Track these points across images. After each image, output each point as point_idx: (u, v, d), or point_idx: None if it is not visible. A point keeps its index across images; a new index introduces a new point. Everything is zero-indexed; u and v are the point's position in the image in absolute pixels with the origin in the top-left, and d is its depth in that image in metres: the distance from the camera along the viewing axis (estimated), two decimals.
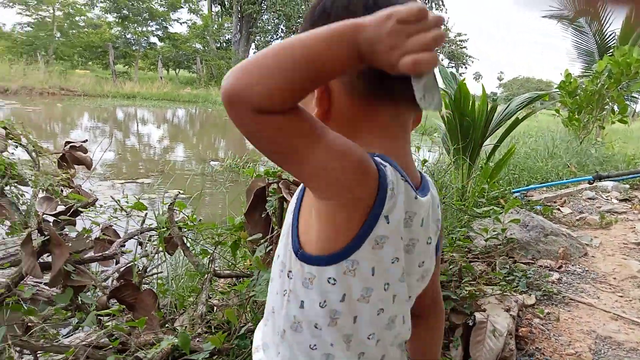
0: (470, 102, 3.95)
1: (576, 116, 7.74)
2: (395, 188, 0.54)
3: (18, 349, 1.76)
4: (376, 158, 0.54)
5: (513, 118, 4.17)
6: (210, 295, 1.80)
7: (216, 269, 1.82)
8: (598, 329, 2.16)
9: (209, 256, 1.78)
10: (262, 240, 1.38)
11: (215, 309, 1.78)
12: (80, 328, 2.36)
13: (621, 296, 2.54)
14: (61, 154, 4.56)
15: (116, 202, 4.27)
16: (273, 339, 0.63)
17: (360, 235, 0.53)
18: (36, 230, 1.72)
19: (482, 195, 3.87)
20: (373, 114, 0.58)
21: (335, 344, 0.57)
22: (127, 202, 4.56)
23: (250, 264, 1.82)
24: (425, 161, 4.99)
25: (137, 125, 14.03)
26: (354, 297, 0.55)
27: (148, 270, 2.44)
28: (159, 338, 1.51)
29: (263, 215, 1.44)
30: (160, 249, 2.46)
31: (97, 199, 2.10)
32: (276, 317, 0.62)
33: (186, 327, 1.58)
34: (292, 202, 0.63)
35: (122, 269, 2.25)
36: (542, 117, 16.30)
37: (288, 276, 0.59)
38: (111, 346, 1.75)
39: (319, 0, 0.60)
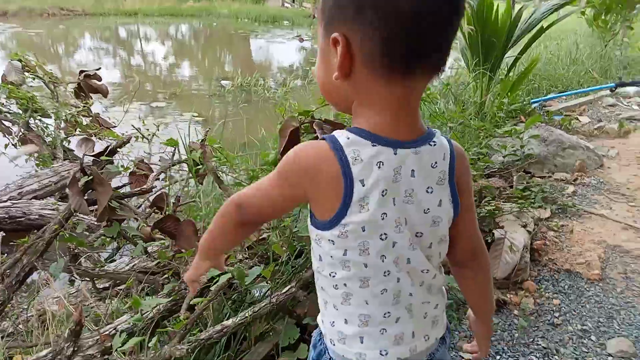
0: (494, 12, 3.79)
1: (602, 17, 7.33)
2: (360, 154, 0.62)
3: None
4: (341, 137, 0.64)
5: (537, 27, 4.01)
6: None
7: None
8: (608, 238, 2.28)
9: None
10: None
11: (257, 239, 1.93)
12: (118, 256, 2.57)
13: (633, 206, 2.63)
14: (77, 84, 4.60)
15: (137, 129, 4.37)
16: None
17: (343, 204, 0.63)
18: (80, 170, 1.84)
19: (501, 109, 3.86)
20: (386, 92, 0.62)
21: (349, 285, 0.69)
22: (147, 129, 4.66)
23: None
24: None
25: (141, 44, 13.68)
26: (354, 250, 0.66)
27: (180, 200, 2.58)
28: None
29: None
30: (191, 180, 2.58)
31: (131, 137, 2.18)
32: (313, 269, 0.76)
33: (229, 255, 1.72)
34: None
35: (153, 197, 2.35)
36: (567, 19, 15.42)
37: (310, 235, 0.72)
38: (160, 272, 1.93)
39: None
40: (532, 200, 2.47)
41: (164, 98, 6.77)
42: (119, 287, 2.15)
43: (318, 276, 0.74)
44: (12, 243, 2.21)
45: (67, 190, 1.83)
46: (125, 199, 2.05)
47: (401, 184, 0.64)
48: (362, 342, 0.71)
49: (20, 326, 2.06)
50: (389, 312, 0.70)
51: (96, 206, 1.93)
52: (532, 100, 4.61)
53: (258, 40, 14.25)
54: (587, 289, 1.97)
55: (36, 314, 2.11)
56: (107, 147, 1.97)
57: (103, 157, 1.92)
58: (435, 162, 0.67)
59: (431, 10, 0.57)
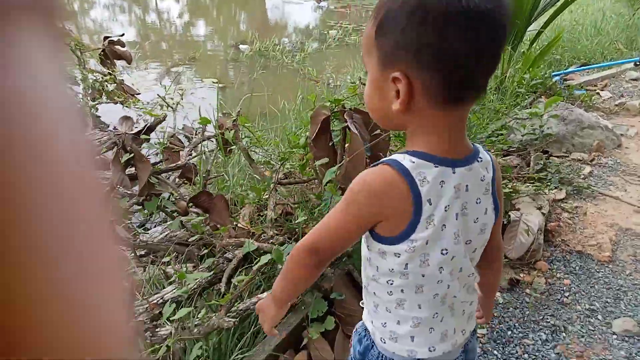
0: None
1: None
2: (425, 176, 0.70)
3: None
4: (405, 161, 0.70)
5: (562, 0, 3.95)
6: (277, 202, 2.06)
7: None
8: (621, 221, 2.37)
9: (273, 168, 1.99)
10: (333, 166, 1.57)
11: (283, 214, 2.05)
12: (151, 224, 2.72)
13: None
14: (101, 50, 4.66)
15: (162, 98, 4.46)
16: (364, 292, 0.87)
17: (413, 222, 0.71)
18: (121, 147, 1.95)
19: (521, 84, 3.86)
20: (441, 119, 0.71)
21: (406, 292, 0.78)
22: (171, 97, 4.74)
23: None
24: None
25: (156, 0, 13.47)
26: (415, 262, 0.74)
27: (210, 174, 2.70)
28: (240, 242, 1.80)
29: (329, 143, 1.61)
30: (220, 155, 2.69)
31: (166, 116, 2.27)
32: (363, 275, 0.85)
33: (264, 231, 1.85)
34: None
35: (177, 164, 2.41)
36: None
37: (367, 248, 0.80)
38: (194, 243, 2.07)
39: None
40: (549, 182, 2.54)
41: (183, 62, 6.79)
42: (154, 255, 2.31)
43: (371, 283, 0.82)
44: None
45: (110, 165, 1.95)
46: (162, 174, 2.18)
47: (459, 200, 0.73)
48: (412, 341, 0.82)
49: None
50: (437, 313, 0.80)
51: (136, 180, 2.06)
52: (554, 74, 4.58)
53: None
54: (597, 270, 2.08)
55: None
56: (145, 125, 2.08)
57: (143, 136, 2.03)
58: (483, 176, 0.76)
59: (482, 49, 0.66)
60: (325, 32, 8.88)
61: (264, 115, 4.41)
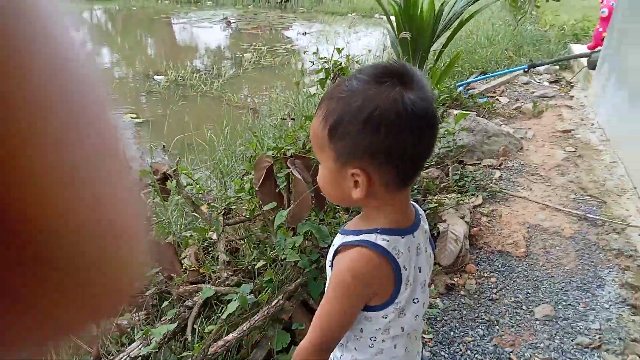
0: (419, 8, 4.11)
1: None
2: (399, 249, 0.84)
3: None
4: (380, 241, 0.82)
5: (458, 20, 4.39)
6: (229, 243, 2.14)
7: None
8: (530, 219, 2.72)
9: (219, 211, 2.07)
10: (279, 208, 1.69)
11: (235, 251, 2.13)
12: None
13: (548, 185, 3.10)
14: None
15: None
16: (339, 349, 0.96)
17: (396, 288, 0.85)
18: None
19: None
20: (395, 198, 0.85)
21: (386, 341, 0.91)
22: None
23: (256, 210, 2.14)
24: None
25: None
26: (396, 318, 0.87)
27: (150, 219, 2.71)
28: (197, 287, 1.87)
29: (275, 189, 1.73)
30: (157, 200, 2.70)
31: None
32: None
33: (217, 278, 1.93)
34: None
35: None
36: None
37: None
38: (152, 294, 2.09)
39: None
40: (466, 191, 2.85)
41: None
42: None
43: (351, 342, 0.91)
44: None
45: None
46: None
47: (419, 255, 0.89)
48: None
49: None
50: (407, 347, 0.93)
51: None
52: (458, 84, 5.06)
53: (182, 24, 13.83)
54: (517, 265, 2.38)
55: None
56: None
57: None
58: (426, 230, 0.94)
59: (426, 142, 0.80)
60: (240, 56, 8.98)
61: (190, 147, 4.42)
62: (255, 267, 1.77)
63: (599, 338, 1.94)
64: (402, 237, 0.84)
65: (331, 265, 0.88)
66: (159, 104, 6.48)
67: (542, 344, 1.93)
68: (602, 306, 2.10)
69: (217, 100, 6.40)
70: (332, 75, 2.36)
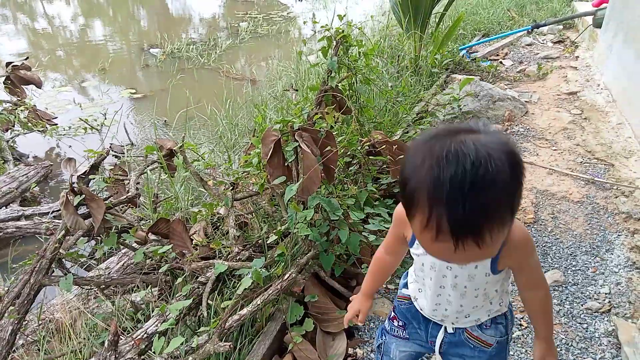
0: None
1: None
2: None
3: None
4: None
5: None
6: (238, 218, 2.14)
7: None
8: (538, 184, 2.71)
9: (230, 189, 2.06)
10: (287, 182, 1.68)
11: (244, 225, 2.14)
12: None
13: (555, 150, 3.08)
14: (6, 77, 4.37)
15: (84, 121, 4.28)
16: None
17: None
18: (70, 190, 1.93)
19: (434, 64, 4.15)
20: None
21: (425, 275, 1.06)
22: (95, 119, 4.55)
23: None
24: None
25: (43, 5, 12.39)
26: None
27: (158, 195, 2.71)
28: (210, 263, 1.87)
29: (284, 163, 1.71)
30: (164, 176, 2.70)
31: (109, 151, 2.22)
32: None
33: (225, 246, 1.93)
34: None
35: (128, 196, 2.42)
36: None
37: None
38: (164, 271, 2.11)
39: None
40: None
41: (94, 74, 6.46)
42: (115, 287, 2.31)
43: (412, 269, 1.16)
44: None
45: (61, 210, 1.92)
46: (115, 209, 2.17)
47: None
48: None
49: (29, 337, 2.19)
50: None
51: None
52: (460, 48, 4.96)
53: None
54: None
55: (41, 324, 2.25)
56: (92, 165, 2.05)
57: (91, 176, 2.01)
58: None
59: None
60: (236, 25, 8.78)
61: (192, 122, 4.37)
62: (267, 242, 1.77)
63: (609, 302, 1.95)
64: None
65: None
66: (156, 78, 6.38)
67: None
68: (612, 270, 2.11)
69: (215, 73, 6.30)
70: (334, 44, 2.31)
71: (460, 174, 0.66)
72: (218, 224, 2.49)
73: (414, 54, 4.25)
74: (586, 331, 1.84)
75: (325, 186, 1.91)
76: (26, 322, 2.25)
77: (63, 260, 2.12)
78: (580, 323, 1.87)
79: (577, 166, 2.86)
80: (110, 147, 2.17)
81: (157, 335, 1.58)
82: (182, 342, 1.45)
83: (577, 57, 4.85)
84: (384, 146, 2.11)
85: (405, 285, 1.23)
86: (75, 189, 1.96)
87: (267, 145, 1.72)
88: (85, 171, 2.02)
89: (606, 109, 3.53)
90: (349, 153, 2.16)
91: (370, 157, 2.17)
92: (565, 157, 2.97)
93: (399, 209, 1.02)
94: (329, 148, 1.64)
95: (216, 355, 1.64)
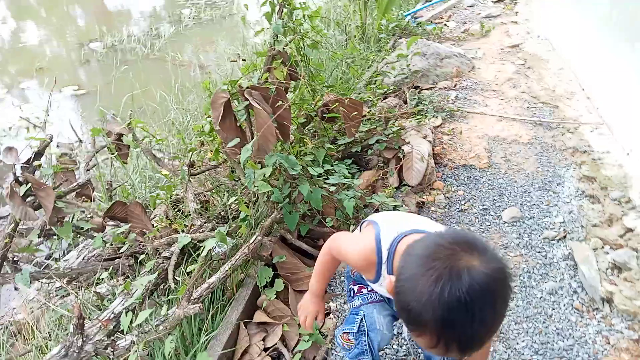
0: None
1: None
2: None
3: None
4: None
5: None
6: (195, 192, 2.10)
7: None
8: (489, 132, 2.79)
9: (184, 161, 2.02)
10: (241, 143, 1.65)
11: (205, 203, 2.10)
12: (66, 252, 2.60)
13: (502, 99, 3.17)
14: None
15: (26, 120, 4.06)
16: None
17: None
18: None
19: (380, 30, 4.18)
20: None
21: None
22: (37, 117, 4.33)
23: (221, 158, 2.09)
24: None
25: None
26: None
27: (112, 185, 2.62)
28: (172, 239, 1.84)
29: (236, 124, 1.68)
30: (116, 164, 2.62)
31: (52, 137, 2.11)
32: None
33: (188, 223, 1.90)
34: None
35: (79, 183, 2.31)
36: None
37: None
38: (125, 253, 2.05)
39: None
40: (426, 114, 2.88)
41: (30, 75, 6.14)
42: (77, 281, 2.24)
43: None
44: None
45: (7, 202, 1.83)
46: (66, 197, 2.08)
47: None
48: None
49: None
50: None
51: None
52: (405, 14, 5.00)
53: None
54: (481, 176, 2.45)
55: (1, 329, 2.15)
56: (35, 152, 1.95)
57: (36, 163, 1.92)
58: None
59: None
60: (178, 13, 8.53)
61: (141, 111, 4.23)
62: (229, 203, 1.75)
63: (564, 230, 2.05)
64: None
65: None
66: (99, 73, 6.13)
67: (512, 243, 2.03)
68: (564, 201, 2.21)
69: (161, 62, 6.10)
70: (277, 8, 2.27)
71: (472, 311, 0.73)
72: (179, 206, 2.44)
73: (360, 22, 4.26)
74: (545, 258, 1.92)
75: (282, 145, 1.89)
76: None
77: (17, 261, 2.04)
78: (539, 252, 1.96)
79: (524, 111, 2.96)
80: (51, 137, 2.06)
81: (125, 312, 1.54)
82: (151, 313, 1.42)
83: (517, 12, 4.99)
84: (337, 104, 2.11)
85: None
86: (19, 179, 1.87)
87: (217, 109, 1.68)
88: (29, 159, 1.92)
89: (547, 57, 3.66)
90: (302, 113, 2.15)
91: (324, 115, 2.16)
92: (512, 105, 3.06)
93: (357, 259, 1.12)
94: (280, 102, 1.63)
95: (189, 324, 1.62)
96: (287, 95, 1.84)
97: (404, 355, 1.61)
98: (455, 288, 0.72)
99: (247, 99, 1.60)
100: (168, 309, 1.45)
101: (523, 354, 1.57)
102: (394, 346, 1.64)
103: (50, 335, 1.93)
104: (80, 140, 3.92)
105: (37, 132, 3.73)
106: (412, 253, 0.82)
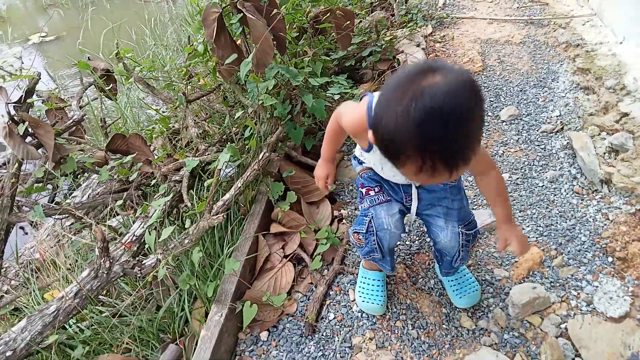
0: None
1: None
2: None
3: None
4: None
5: None
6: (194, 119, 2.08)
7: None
8: (481, 35, 2.75)
9: (180, 89, 1.98)
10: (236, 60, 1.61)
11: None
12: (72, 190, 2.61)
13: (491, 1, 3.11)
14: None
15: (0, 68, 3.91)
16: None
17: None
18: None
19: None
20: None
21: None
22: (11, 65, 4.17)
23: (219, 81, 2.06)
24: None
25: None
26: None
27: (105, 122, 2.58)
28: (180, 164, 1.85)
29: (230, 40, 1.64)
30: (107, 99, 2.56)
31: (40, 73, 2.03)
32: None
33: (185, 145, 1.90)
34: None
35: (74, 119, 2.27)
36: None
37: None
38: (134, 183, 2.06)
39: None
40: (416, 22, 2.82)
41: None
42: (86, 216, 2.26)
43: None
44: None
45: (6, 143, 1.80)
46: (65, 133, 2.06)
47: None
48: None
49: (13, 282, 2.15)
50: None
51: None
52: None
53: None
54: (477, 79, 2.45)
55: (21, 267, 2.20)
56: (26, 90, 1.89)
57: (29, 100, 1.87)
58: None
59: None
60: None
61: (119, 48, 4.07)
62: (235, 118, 1.74)
63: (560, 122, 2.09)
64: None
65: None
66: (66, 17, 5.83)
67: (511, 140, 2.07)
68: (559, 95, 2.24)
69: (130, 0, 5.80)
70: None
71: (442, 118, 0.73)
72: (176, 138, 2.42)
73: None
74: (544, 150, 1.98)
75: (280, 58, 1.86)
76: (4, 268, 2.19)
77: (22, 205, 2.04)
78: (538, 145, 2.01)
79: (515, 12, 2.92)
80: (39, 74, 1.99)
81: (148, 230, 1.57)
82: (172, 232, 1.46)
83: None
84: (328, 14, 2.05)
85: (359, 162, 1.35)
86: (15, 118, 1.83)
87: (209, 26, 1.63)
88: (20, 98, 1.86)
89: None
90: (295, 27, 2.10)
91: (316, 27, 2.11)
92: (502, 6, 3.01)
93: (351, 125, 1.14)
94: (275, 11, 1.58)
95: (211, 240, 1.68)
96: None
97: (417, 249, 1.70)
98: (421, 103, 0.74)
99: (240, 11, 1.55)
100: (191, 225, 1.48)
101: (529, 236, 1.66)
102: (406, 242, 1.72)
103: (71, 267, 1.98)
104: (59, 88, 3.81)
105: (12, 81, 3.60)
106: (383, 90, 0.84)
